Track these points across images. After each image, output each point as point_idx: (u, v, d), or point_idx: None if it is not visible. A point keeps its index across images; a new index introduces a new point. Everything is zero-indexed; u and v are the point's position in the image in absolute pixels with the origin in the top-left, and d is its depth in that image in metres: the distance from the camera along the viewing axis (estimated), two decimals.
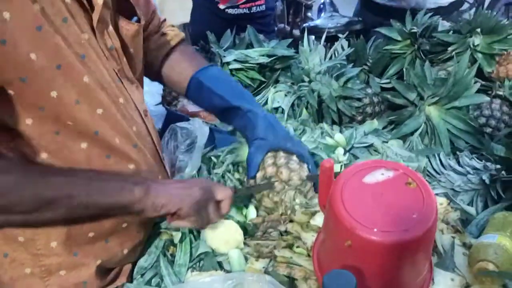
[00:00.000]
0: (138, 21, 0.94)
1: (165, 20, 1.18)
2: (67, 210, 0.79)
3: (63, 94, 0.77)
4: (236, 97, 1.09)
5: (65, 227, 0.85)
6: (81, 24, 0.80)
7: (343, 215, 0.70)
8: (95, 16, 0.82)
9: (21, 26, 0.71)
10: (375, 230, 0.67)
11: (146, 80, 1.25)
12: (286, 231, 0.95)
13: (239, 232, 0.94)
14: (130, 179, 0.87)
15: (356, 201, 0.71)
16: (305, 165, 1.05)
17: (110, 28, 0.86)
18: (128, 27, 0.91)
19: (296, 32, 3.38)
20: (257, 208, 1.03)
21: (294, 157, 1.04)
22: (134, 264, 0.99)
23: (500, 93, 1.35)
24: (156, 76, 1.17)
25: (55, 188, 0.77)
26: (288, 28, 3.50)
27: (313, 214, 0.95)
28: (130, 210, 0.85)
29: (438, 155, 1.20)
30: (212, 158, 1.22)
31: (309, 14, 3.50)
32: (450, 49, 1.37)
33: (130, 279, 0.97)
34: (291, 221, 0.96)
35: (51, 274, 0.87)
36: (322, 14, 3.02)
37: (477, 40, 1.35)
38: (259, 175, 1.03)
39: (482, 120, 1.29)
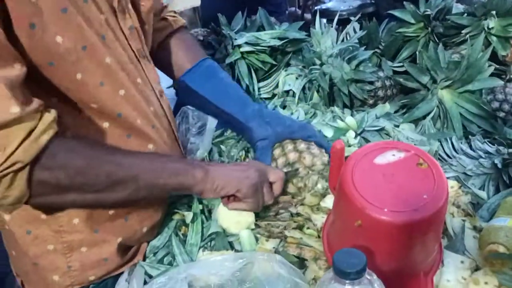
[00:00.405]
0: None
1: (167, 6, 1.17)
2: (133, 190, 0.81)
3: (88, 76, 0.78)
4: (222, 99, 1.10)
5: None
6: (100, 5, 0.81)
7: (353, 195, 0.70)
8: None
9: (48, 9, 0.71)
10: (386, 210, 0.68)
11: None
12: (297, 213, 0.96)
13: (250, 214, 0.95)
14: (189, 161, 0.91)
15: (367, 181, 0.71)
16: (323, 150, 1.04)
17: (129, 6, 0.87)
18: (144, 3, 0.92)
19: (308, 15, 3.35)
20: None
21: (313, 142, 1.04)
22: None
23: None
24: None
25: (125, 168, 0.80)
26: (299, 11, 3.47)
27: (323, 196, 0.96)
28: (190, 191, 0.88)
29: (450, 139, 1.19)
30: (221, 146, 1.22)
31: None
32: (464, 32, 1.35)
33: (143, 258, 0.99)
34: (302, 203, 0.97)
35: (73, 250, 0.89)
36: None
37: (491, 23, 1.33)
38: (280, 161, 1.03)
39: (496, 105, 1.27)
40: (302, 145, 1.03)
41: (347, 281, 0.55)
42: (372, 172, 0.72)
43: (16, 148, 0.67)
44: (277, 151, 1.04)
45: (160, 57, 1.14)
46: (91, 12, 0.78)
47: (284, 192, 1.01)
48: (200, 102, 1.13)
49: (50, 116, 0.72)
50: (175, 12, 1.19)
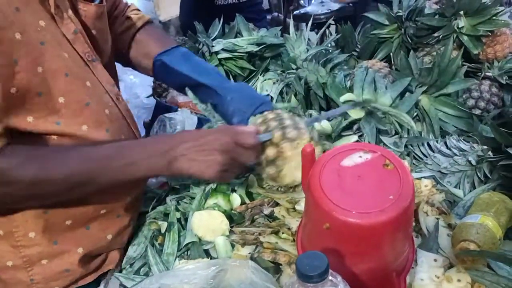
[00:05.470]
0: (101, 1, 0.94)
1: (129, 5, 1.18)
2: (96, 189, 0.85)
3: (23, 88, 0.77)
4: (202, 75, 1.10)
5: (42, 217, 0.86)
6: (37, 11, 0.80)
7: (321, 198, 0.70)
8: (52, 1, 0.82)
9: None
10: (354, 212, 0.68)
11: (137, 72, 1.25)
12: (272, 216, 0.95)
13: (225, 222, 0.95)
14: (150, 150, 0.89)
15: (334, 184, 0.71)
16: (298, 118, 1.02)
17: (70, 12, 0.86)
18: (86, 8, 0.91)
19: (290, 20, 3.37)
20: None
21: (279, 111, 1.01)
22: (123, 254, 1.00)
23: (489, 74, 1.34)
24: (126, 61, 1.17)
25: (77, 175, 0.82)
26: (281, 16, 3.49)
27: (296, 203, 0.96)
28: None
29: None
30: None
31: (301, 1, 3.48)
32: (436, 34, 1.36)
33: (120, 268, 0.98)
34: (277, 204, 0.97)
35: (34, 264, 0.89)
36: (313, 1, 3.00)
37: (461, 22, 1.34)
38: (263, 156, 0.97)
39: (471, 102, 1.28)
40: (274, 123, 0.97)
41: (310, 285, 0.55)
42: (339, 174, 0.72)
43: None
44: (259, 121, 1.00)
45: (133, 55, 1.14)
46: (25, 21, 0.77)
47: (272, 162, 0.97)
48: (177, 80, 1.12)
49: None
50: (138, 10, 1.18)
